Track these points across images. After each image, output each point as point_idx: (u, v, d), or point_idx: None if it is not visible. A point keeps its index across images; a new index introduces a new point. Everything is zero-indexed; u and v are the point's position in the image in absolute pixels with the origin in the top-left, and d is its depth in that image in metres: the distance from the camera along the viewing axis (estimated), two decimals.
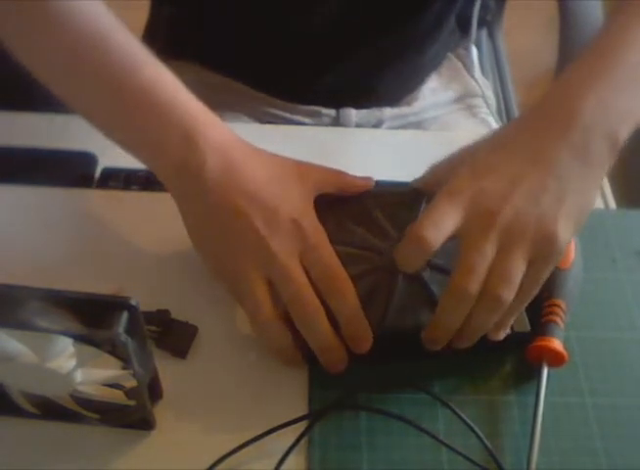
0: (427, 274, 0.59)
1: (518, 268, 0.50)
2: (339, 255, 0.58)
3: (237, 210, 0.54)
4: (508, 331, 0.56)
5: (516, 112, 1.05)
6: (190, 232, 0.58)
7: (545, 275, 0.52)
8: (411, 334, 0.57)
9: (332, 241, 0.59)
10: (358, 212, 0.63)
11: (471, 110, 0.96)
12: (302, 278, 0.54)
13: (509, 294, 0.50)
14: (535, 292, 0.53)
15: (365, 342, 0.55)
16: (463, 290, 0.50)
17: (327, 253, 0.56)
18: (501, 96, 1.06)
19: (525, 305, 0.54)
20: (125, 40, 0.57)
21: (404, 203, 0.63)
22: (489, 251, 0.50)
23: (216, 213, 0.55)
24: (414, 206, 0.62)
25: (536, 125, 0.53)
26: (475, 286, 0.50)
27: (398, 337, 0.58)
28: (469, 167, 0.53)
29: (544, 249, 0.50)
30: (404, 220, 0.58)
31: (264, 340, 0.57)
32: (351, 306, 0.54)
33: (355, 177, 0.62)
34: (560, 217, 0.51)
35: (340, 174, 0.61)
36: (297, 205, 0.56)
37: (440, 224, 0.50)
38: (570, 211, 0.51)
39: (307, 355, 0.58)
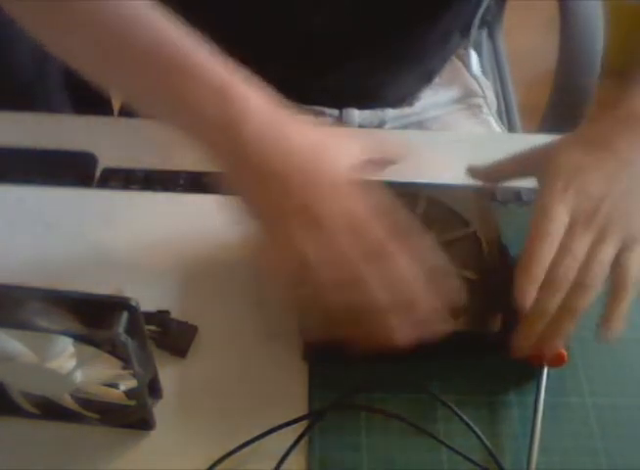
0: None
1: (609, 255, 0.55)
2: None
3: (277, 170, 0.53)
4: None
5: (516, 112, 1.05)
6: (230, 180, 0.55)
7: (634, 265, 0.56)
8: None
9: None
10: None
11: (471, 110, 0.97)
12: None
13: (596, 279, 0.54)
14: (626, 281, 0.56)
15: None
16: (564, 275, 0.54)
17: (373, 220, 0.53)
18: (501, 96, 1.06)
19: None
20: (158, 17, 0.56)
21: (404, 203, 0.63)
22: (587, 241, 0.55)
23: (251, 177, 0.53)
24: (413, 206, 0.62)
25: (625, 131, 0.59)
26: (571, 269, 0.54)
27: None
28: (566, 164, 0.57)
29: (630, 238, 0.56)
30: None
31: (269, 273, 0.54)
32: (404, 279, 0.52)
33: (393, 144, 0.62)
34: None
35: (381, 141, 0.61)
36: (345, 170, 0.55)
37: (558, 219, 0.55)
38: None
39: (308, 354, 0.58)
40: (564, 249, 0.55)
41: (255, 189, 0.54)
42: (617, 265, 0.56)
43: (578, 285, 0.54)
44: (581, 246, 0.55)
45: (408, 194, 0.63)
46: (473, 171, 0.65)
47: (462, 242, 0.62)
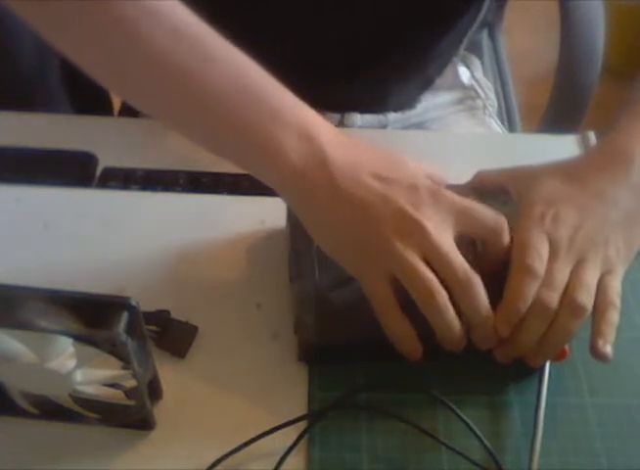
0: None
1: (593, 278, 0.56)
2: None
3: (369, 191, 0.55)
4: None
5: (516, 112, 1.05)
6: (314, 230, 0.57)
7: (614, 286, 0.57)
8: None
9: None
10: None
11: (472, 110, 0.97)
12: (428, 274, 0.54)
13: (589, 300, 0.55)
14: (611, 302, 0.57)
15: (492, 341, 0.56)
16: (547, 304, 0.55)
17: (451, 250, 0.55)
18: (502, 96, 1.06)
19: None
20: (221, 44, 0.56)
21: None
22: (568, 268, 0.56)
23: (347, 200, 0.55)
24: None
25: (602, 166, 0.61)
26: (556, 300, 0.55)
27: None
28: (545, 193, 0.59)
29: (609, 265, 0.57)
30: None
31: (388, 331, 0.56)
32: (484, 308, 0.55)
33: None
34: (620, 241, 0.58)
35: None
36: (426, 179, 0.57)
37: (541, 252, 0.56)
38: (627, 237, 0.59)
39: (304, 355, 0.58)
40: (548, 277, 0.55)
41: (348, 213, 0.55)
42: (600, 287, 0.57)
43: (569, 308, 0.55)
44: (564, 273, 0.56)
45: None
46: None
47: (459, 245, 0.62)
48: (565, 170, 0.61)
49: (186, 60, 0.54)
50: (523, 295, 0.55)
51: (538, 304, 0.55)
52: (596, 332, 0.56)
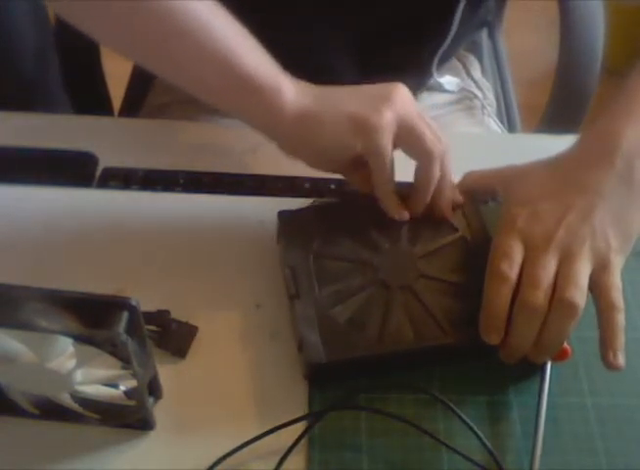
0: (417, 284, 0.60)
1: (582, 273, 0.55)
2: (331, 269, 0.60)
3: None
4: None
5: (516, 112, 1.05)
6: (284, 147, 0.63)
7: (613, 284, 0.56)
8: (412, 346, 0.57)
9: (322, 255, 0.61)
10: (349, 224, 0.63)
11: (470, 110, 0.96)
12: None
13: (580, 297, 0.54)
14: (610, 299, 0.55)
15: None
16: (532, 304, 0.54)
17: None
18: (501, 96, 1.06)
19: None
20: (225, 25, 0.63)
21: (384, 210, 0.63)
22: (551, 264, 0.55)
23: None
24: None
25: (585, 159, 0.60)
26: (542, 298, 0.54)
27: (399, 350, 0.58)
28: (525, 192, 0.59)
29: (601, 259, 0.56)
30: (395, 233, 0.62)
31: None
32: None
33: None
34: (610, 231, 0.57)
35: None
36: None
37: (511, 254, 0.56)
38: (619, 227, 0.57)
39: (314, 374, 0.58)
40: (529, 276, 0.55)
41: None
42: (597, 287, 0.55)
43: (559, 307, 0.54)
44: (547, 269, 0.54)
45: None
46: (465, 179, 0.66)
47: (451, 248, 0.63)
48: (551, 166, 0.61)
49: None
50: (493, 300, 0.55)
51: (523, 304, 0.54)
52: (604, 343, 0.55)
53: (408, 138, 0.61)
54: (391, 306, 0.58)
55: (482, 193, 0.67)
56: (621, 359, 0.54)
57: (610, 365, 0.54)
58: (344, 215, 0.64)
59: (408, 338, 0.57)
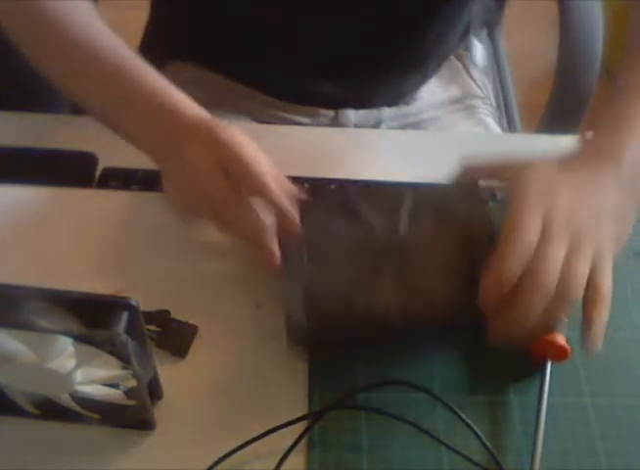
0: (409, 259, 0.60)
1: (584, 266, 0.56)
2: (321, 244, 0.60)
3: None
4: None
5: (516, 112, 1.05)
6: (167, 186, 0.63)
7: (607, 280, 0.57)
8: (400, 309, 0.58)
9: (313, 231, 0.60)
10: (344, 206, 0.63)
11: (469, 110, 0.97)
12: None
13: (580, 285, 0.56)
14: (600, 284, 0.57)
15: (295, 226, 0.60)
16: (540, 275, 0.55)
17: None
18: (501, 96, 1.06)
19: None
20: (117, 48, 0.66)
21: (388, 201, 0.63)
22: (560, 247, 0.56)
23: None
24: (396, 205, 0.63)
25: (594, 162, 0.62)
26: (551, 273, 0.55)
27: (386, 315, 0.58)
28: (537, 181, 0.59)
29: (599, 258, 0.57)
30: (388, 216, 0.61)
31: (238, 231, 0.60)
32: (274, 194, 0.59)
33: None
34: (610, 232, 0.58)
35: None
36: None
37: (533, 225, 0.56)
38: (618, 231, 0.60)
39: (294, 339, 0.58)
40: (540, 255, 0.55)
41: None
42: (591, 281, 0.56)
43: (562, 290, 0.55)
44: (557, 254, 0.55)
45: (393, 195, 0.63)
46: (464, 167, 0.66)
47: (451, 241, 0.62)
48: (557, 162, 0.62)
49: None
50: (508, 262, 0.55)
51: (534, 273, 0.55)
52: (590, 330, 0.56)
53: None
54: (381, 278, 0.58)
55: (487, 177, 0.67)
56: (599, 345, 0.56)
57: (590, 350, 0.56)
58: (340, 198, 0.64)
59: (395, 303, 0.58)
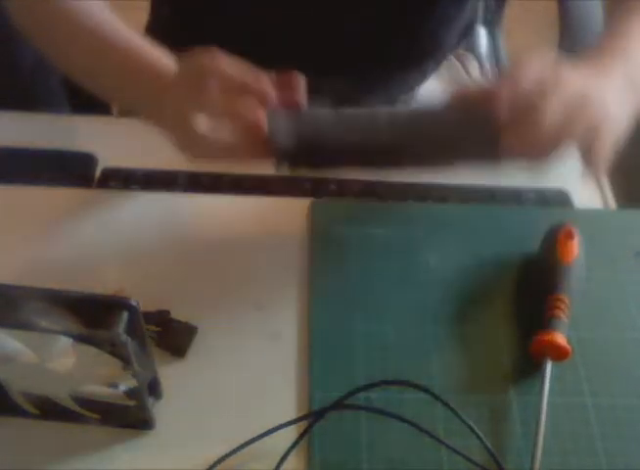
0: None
1: (596, 94, 0.59)
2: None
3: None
4: None
5: None
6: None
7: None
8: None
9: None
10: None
11: None
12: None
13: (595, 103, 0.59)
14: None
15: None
16: (562, 92, 0.57)
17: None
18: None
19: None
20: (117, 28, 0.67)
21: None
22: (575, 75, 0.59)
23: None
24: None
25: (602, 61, 0.64)
26: (571, 92, 0.58)
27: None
28: (546, 65, 0.61)
29: (599, 125, 0.59)
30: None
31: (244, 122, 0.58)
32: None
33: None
34: (615, 110, 0.61)
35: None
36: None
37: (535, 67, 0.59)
38: (621, 110, 0.61)
39: (281, 160, 0.58)
40: (557, 71, 0.58)
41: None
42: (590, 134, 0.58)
43: (575, 103, 0.57)
44: (572, 75, 0.59)
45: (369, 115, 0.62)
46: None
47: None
48: (575, 61, 0.64)
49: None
50: (526, 69, 0.58)
51: (552, 80, 0.57)
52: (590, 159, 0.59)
53: None
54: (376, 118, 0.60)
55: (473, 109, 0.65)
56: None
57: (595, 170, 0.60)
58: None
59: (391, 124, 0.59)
